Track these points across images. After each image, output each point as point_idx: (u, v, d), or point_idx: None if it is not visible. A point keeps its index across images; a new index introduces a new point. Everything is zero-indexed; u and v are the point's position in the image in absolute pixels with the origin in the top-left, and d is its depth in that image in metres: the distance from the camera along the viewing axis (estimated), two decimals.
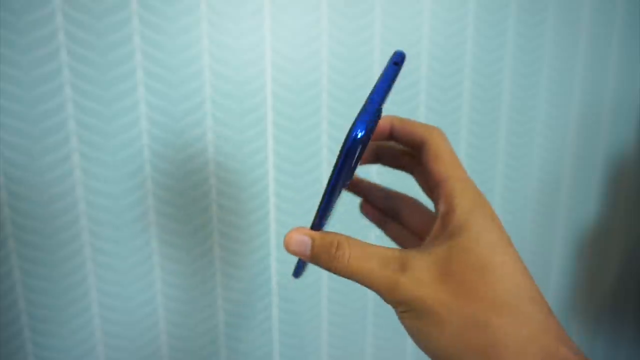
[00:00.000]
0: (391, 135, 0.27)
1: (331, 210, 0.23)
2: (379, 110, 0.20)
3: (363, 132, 0.19)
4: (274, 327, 0.51)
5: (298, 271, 0.29)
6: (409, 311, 0.21)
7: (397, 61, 0.22)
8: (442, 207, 0.22)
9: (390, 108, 0.49)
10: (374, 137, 0.27)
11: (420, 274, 0.21)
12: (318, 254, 0.23)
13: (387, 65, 0.22)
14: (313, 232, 0.23)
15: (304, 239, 0.23)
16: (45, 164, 0.42)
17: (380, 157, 0.29)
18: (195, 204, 0.46)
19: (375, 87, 0.21)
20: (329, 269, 0.23)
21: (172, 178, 0.45)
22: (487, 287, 0.19)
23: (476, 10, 0.50)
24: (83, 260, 0.44)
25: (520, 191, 0.57)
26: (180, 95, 0.43)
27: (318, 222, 0.23)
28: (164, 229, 0.46)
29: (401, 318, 0.22)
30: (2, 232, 0.42)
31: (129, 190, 0.44)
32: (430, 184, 0.25)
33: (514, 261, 0.20)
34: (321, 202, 0.22)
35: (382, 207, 0.31)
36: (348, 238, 0.23)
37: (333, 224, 0.51)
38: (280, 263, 0.50)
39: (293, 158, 0.48)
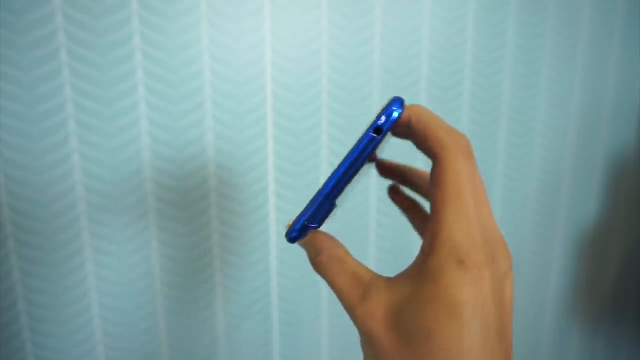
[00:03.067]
0: (409, 131, 0.24)
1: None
2: (329, 198, 0.21)
3: (295, 234, 0.21)
4: (273, 327, 0.51)
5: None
6: (362, 335, 0.21)
7: (380, 126, 0.20)
8: (424, 244, 0.21)
9: None
10: (394, 128, 0.24)
11: (376, 308, 0.20)
12: (306, 249, 0.25)
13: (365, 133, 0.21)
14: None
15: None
16: (45, 164, 0.41)
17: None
18: (195, 204, 0.46)
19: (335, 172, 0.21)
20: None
21: (172, 178, 0.45)
22: (427, 353, 0.18)
23: (476, 10, 0.50)
24: (83, 260, 0.44)
25: (520, 191, 0.57)
26: (180, 95, 0.43)
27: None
28: (164, 229, 0.46)
29: (359, 335, 0.22)
30: (2, 232, 0.42)
31: (129, 190, 0.44)
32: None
33: (468, 331, 0.18)
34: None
35: (407, 205, 0.31)
36: (330, 246, 0.24)
37: (338, 222, 0.50)
38: (281, 263, 0.50)
39: (293, 158, 0.48)
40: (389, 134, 0.23)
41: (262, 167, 0.47)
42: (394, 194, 0.32)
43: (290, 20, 0.45)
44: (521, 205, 0.57)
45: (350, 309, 0.21)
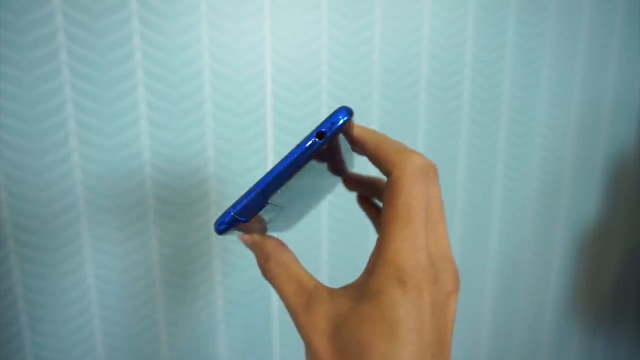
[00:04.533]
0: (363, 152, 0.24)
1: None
2: (263, 194, 0.20)
3: (223, 226, 0.21)
4: (274, 327, 0.51)
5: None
6: (306, 347, 0.21)
7: (324, 130, 0.20)
8: (369, 263, 0.21)
9: (390, 108, 0.49)
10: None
11: (318, 319, 0.21)
12: (254, 254, 0.25)
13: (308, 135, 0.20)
14: (256, 236, 0.25)
15: (246, 238, 0.26)
16: (45, 164, 0.41)
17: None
18: (195, 204, 0.46)
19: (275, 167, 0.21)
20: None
21: (172, 178, 0.45)
22: None
23: (476, 10, 0.50)
24: (82, 260, 0.44)
25: (520, 191, 0.57)
26: (180, 95, 0.43)
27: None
28: (164, 229, 0.46)
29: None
30: (2, 232, 0.42)
31: (129, 190, 0.44)
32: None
33: (404, 351, 0.18)
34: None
35: (374, 212, 0.32)
36: (279, 252, 0.24)
37: (340, 221, 0.50)
38: None
39: None
40: (343, 145, 0.23)
41: (262, 167, 0.47)
42: (363, 201, 0.32)
43: (290, 20, 0.45)
44: (521, 205, 0.57)
45: (294, 317, 0.22)
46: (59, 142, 0.41)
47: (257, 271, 0.49)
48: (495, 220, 0.57)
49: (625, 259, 0.64)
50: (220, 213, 0.47)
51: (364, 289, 0.20)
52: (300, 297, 0.22)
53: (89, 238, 0.44)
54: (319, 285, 0.22)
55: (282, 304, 0.51)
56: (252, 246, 0.25)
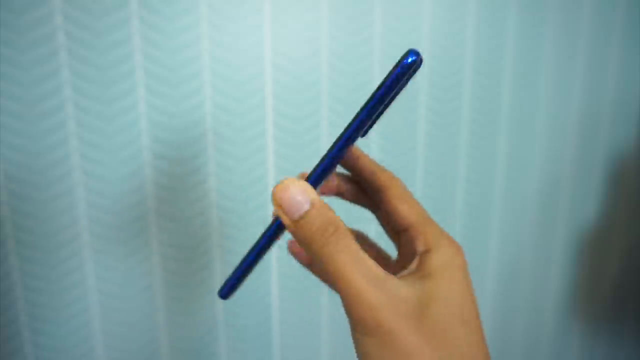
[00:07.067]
0: (353, 166, 0.25)
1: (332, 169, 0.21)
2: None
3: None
4: (274, 327, 0.51)
5: (229, 288, 0.24)
6: (372, 336, 0.19)
7: (406, 64, 0.18)
8: (420, 247, 0.22)
9: (390, 108, 0.49)
10: (342, 160, 0.25)
11: (402, 305, 0.19)
12: (309, 227, 0.19)
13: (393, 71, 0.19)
14: (316, 197, 0.19)
15: (303, 199, 0.18)
16: (45, 164, 0.41)
17: (342, 193, 0.27)
18: (195, 204, 0.46)
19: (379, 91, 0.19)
20: (309, 252, 0.19)
21: (172, 178, 0.45)
22: (457, 338, 0.19)
23: (476, 9, 0.50)
24: (82, 260, 0.44)
25: (520, 191, 0.57)
26: (180, 95, 0.43)
27: (317, 176, 0.20)
28: (164, 230, 0.46)
29: (359, 339, 0.20)
30: (2, 232, 0.42)
31: (129, 190, 0.44)
32: (397, 226, 0.24)
33: (475, 333, 0.20)
34: (331, 149, 0.21)
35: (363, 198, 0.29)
36: (347, 228, 0.19)
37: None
38: (281, 262, 0.50)
39: (293, 158, 0.48)
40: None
41: (262, 167, 0.47)
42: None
43: (290, 20, 0.45)
44: (521, 205, 0.57)
45: (371, 308, 0.18)
46: (58, 142, 0.41)
47: (257, 271, 0.49)
48: (495, 220, 0.57)
49: (625, 259, 0.64)
50: (220, 213, 0.47)
51: (430, 266, 0.21)
52: (376, 285, 0.19)
53: (89, 238, 0.44)
54: (386, 271, 0.21)
55: (282, 304, 0.51)
56: (310, 218, 0.19)
